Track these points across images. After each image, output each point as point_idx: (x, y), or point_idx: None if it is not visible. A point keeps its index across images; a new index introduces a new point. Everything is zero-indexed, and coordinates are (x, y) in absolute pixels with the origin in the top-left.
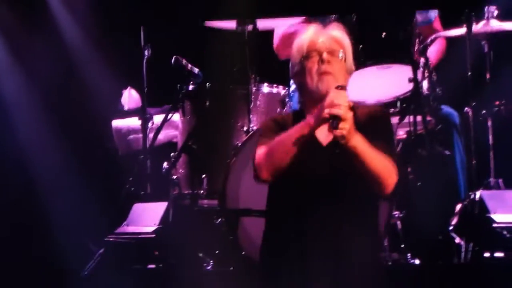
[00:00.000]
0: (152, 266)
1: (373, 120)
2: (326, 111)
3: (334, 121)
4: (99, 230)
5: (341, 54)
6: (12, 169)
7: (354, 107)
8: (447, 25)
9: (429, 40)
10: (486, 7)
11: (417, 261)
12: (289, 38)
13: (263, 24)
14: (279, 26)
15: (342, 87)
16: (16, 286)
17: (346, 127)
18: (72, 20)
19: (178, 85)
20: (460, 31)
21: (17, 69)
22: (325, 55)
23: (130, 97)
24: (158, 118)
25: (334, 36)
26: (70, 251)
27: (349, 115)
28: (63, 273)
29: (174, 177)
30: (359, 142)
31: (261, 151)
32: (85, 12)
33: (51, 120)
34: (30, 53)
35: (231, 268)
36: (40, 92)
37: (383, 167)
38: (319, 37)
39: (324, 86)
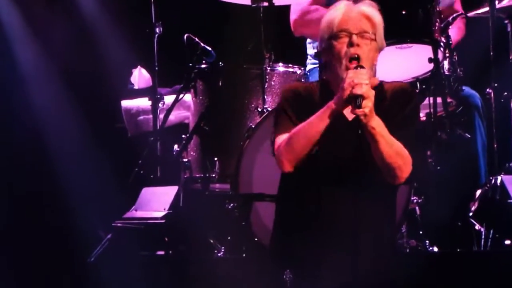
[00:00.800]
0: (162, 252)
1: (400, 99)
2: (348, 91)
3: (357, 100)
4: (107, 215)
5: (371, 34)
6: (28, 139)
7: (383, 84)
8: (467, 8)
9: (450, 18)
10: None
11: (435, 248)
12: (308, 14)
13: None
14: (297, 1)
15: (361, 66)
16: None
17: (369, 105)
18: None
19: (190, 64)
20: (483, 9)
21: (32, 39)
22: (355, 38)
23: (140, 76)
24: (169, 99)
25: (365, 13)
26: (78, 236)
27: (371, 93)
28: (71, 255)
29: (185, 160)
30: (378, 124)
31: (281, 141)
32: None
33: (66, 92)
34: (46, 23)
35: (243, 255)
36: (55, 62)
37: (397, 155)
38: (350, 15)
39: (342, 86)
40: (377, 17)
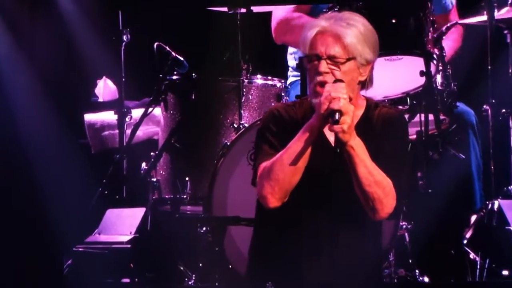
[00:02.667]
0: (127, 280)
1: (387, 129)
2: (325, 106)
3: (334, 115)
4: (67, 239)
5: (340, 58)
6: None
7: (370, 107)
8: (464, 15)
9: (444, 28)
10: None
11: (426, 279)
12: (291, 21)
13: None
14: (278, 7)
15: (340, 80)
16: None
17: (347, 121)
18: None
19: (160, 75)
20: (480, 18)
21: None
22: (323, 64)
23: (105, 88)
24: (137, 113)
25: (337, 34)
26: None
27: (350, 108)
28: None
29: (154, 179)
30: (358, 145)
31: (263, 175)
32: None
33: (38, 102)
34: (28, 28)
35: (216, 283)
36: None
37: (377, 184)
38: (321, 37)
39: (317, 100)
40: (350, 37)
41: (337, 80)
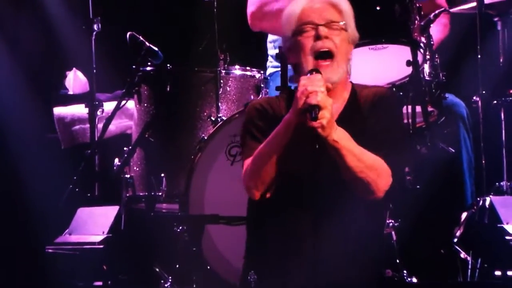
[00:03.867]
0: (99, 283)
1: (378, 105)
2: (302, 101)
3: (312, 111)
4: (36, 239)
5: (341, 23)
6: None
7: (356, 89)
8: (452, 3)
9: (432, 15)
10: None
11: (414, 279)
12: (267, 5)
13: None
14: None
15: (316, 70)
16: None
17: (326, 116)
18: None
19: (134, 66)
20: (469, 4)
21: None
22: (321, 29)
23: (75, 80)
24: (109, 106)
25: (330, 1)
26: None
27: (329, 101)
28: None
29: (127, 176)
30: (341, 137)
31: (247, 169)
32: None
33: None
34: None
35: (194, 286)
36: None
37: (369, 168)
38: (312, 6)
39: (323, 69)
40: (345, 4)
41: (312, 71)
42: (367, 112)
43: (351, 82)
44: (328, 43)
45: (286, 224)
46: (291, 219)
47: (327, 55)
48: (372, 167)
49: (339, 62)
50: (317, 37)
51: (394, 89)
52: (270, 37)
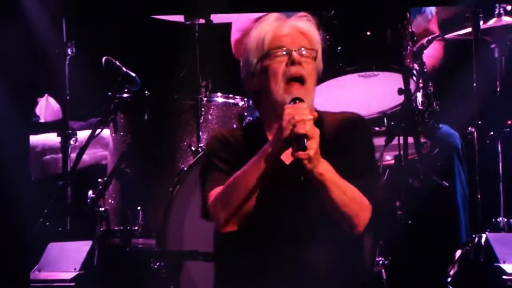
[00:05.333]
0: None
1: (347, 132)
2: (288, 131)
3: (300, 141)
4: (2, 276)
5: (311, 51)
6: None
7: (322, 116)
8: (446, 28)
9: (425, 41)
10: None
11: None
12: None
13: (219, 16)
14: (240, 18)
15: (299, 99)
16: None
17: (313, 146)
18: None
19: (109, 93)
20: (465, 30)
21: None
22: (295, 55)
23: (47, 107)
24: (82, 134)
25: (301, 29)
26: None
27: (316, 131)
28: None
29: (102, 209)
30: (326, 169)
31: (217, 202)
32: None
33: None
34: None
35: None
36: None
37: (352, 201)
38: (283, 31)
39: (293, 95)
40: (315, 34)
41: (296, 99)
42: (335, 139)
43: (316, 110)
44: (302, 69)
45: (261, 258)
46: (269, 253)
47: (300, 81)
48: (355, 200)
49: (309, 89)
50: (292, 63)
51: (385, 119)
52: None
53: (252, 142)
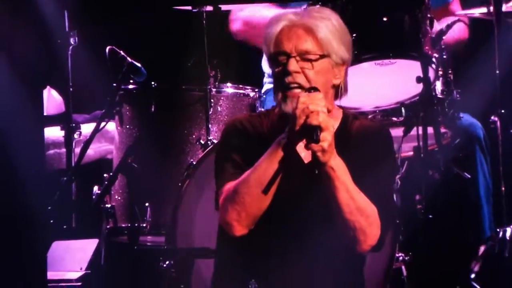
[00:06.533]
0: None
1: (372, 146)
2: (301, 121)
3: (313, 132)
4: (7, 275)
5: (314, 54)
6: None
7: (347, 118)
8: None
9: (445, 25)
10: None
11: None
12: (252, 19)
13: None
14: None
15: (314, 89)
16: None
17: (327, 138)
18: None
19: (114, 84)
20: (482, 9)
21: None
22: (292, 63)
23: (50, 100)
24: (87, 128)
25: (307, 26)
26: None
27: (330, 122)
28: None
29: (108, 206)
30: (339, 166)
31: (228, 199)
32: None
33: None
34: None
35: None
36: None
37: (359, 212)
38: (288, 31)
39: (288, 107)
40: (323, 30)
41: (311, 89)
42: (358, 148)
43: (342, 109)
44: (299, 78)
45: (272, 256)
46: (278, 251)
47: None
48: (364, 212)
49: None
50: (287, 73)
51: (403, 109)
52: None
53: (271, 130)
